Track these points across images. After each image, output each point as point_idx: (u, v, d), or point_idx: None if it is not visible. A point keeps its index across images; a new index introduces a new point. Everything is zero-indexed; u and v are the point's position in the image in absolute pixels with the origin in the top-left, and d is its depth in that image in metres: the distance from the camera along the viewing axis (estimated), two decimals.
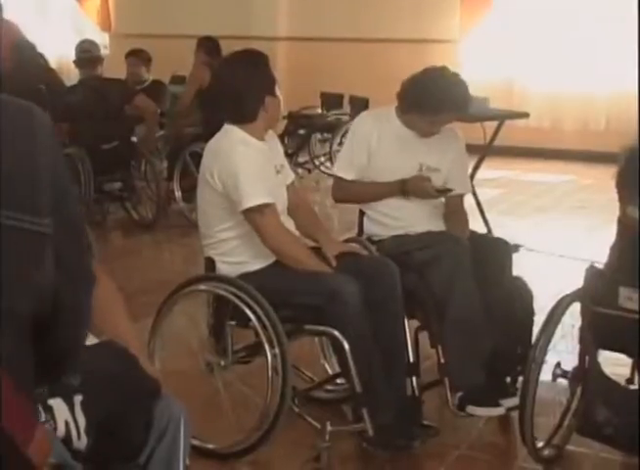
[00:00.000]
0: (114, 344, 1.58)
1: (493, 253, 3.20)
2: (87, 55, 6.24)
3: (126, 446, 1.38)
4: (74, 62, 6.36)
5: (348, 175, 3.36)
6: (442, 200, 3.44)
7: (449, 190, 3.30)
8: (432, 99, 3.22)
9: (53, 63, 9.39)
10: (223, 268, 3.01)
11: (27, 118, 0.90)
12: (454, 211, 3.44)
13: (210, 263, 3.03)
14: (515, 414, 2.88)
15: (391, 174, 3.33)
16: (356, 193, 3.40)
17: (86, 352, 1.15)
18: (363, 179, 3.37)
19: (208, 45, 6.81)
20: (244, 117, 3.00)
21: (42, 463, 0.88)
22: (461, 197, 3.51)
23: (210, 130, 3.24)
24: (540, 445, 2.81)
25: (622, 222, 2.51)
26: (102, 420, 1.13)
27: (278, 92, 3.05)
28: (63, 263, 0.90)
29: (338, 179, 3.43)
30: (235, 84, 3.00)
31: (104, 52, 7.08)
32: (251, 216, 2.91)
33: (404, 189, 3.30)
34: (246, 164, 2.91)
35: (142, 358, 1.66)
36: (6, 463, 0.83)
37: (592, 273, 2.59)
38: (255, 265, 2.99)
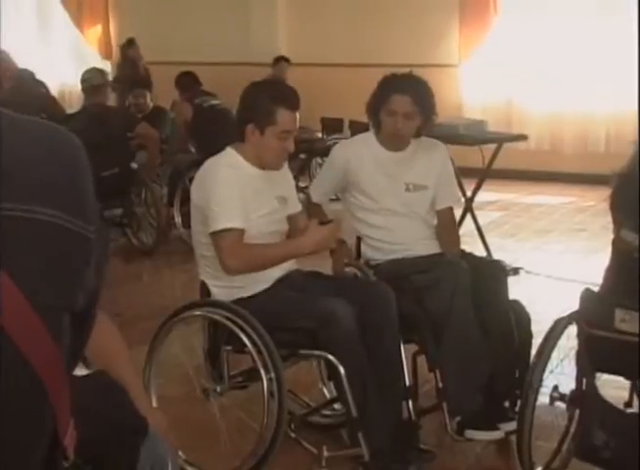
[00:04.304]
0: (105, 377, 1.56)
1: (488, 275, 3.19)
2: (86, 84, 6.30)
3: None
4: (81, 89, 6.46)
5: (313, 196, 3.52)
6: (435, 218, 3.45)
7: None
8: (375, 93, 3.39)
9: (55, 91, 9.46)
10: (217, 293, 3.02)
11: (66, 133, 0.97)
12: (445, 225, 3.46)
13: (205, 288, 3.04)
14: (514, 438, 2.86)
15: (381, 199, 3.36)
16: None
17: (74, 383, 1.14)
18: (352, 203, 3.43)
19: (182, 82, 7.25)
20: (237, 131, 3.04)
21: (71, 454, 0.96)
22: (451, 209, 3.53)
23: (206, 155, 3.26)
24: (539, 469, 2.78)
25: (616, 245, 2.51)
26: (84, 457, 1.12)
27: (270, 135, 2.94)
28: (96, 270, 0.97)
29: (308, 197, 3.59)
30: (242, 95, 3.06)
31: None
32: (213, 240, 2.92)
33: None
34: (223, 186, 2.92)
35: (140, 399, 1.64)
36: (52, 451, 0.92)
37: (587, 296, 2.58)
38: (250, 291, 2.98)
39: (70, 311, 0.92)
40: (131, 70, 9.41)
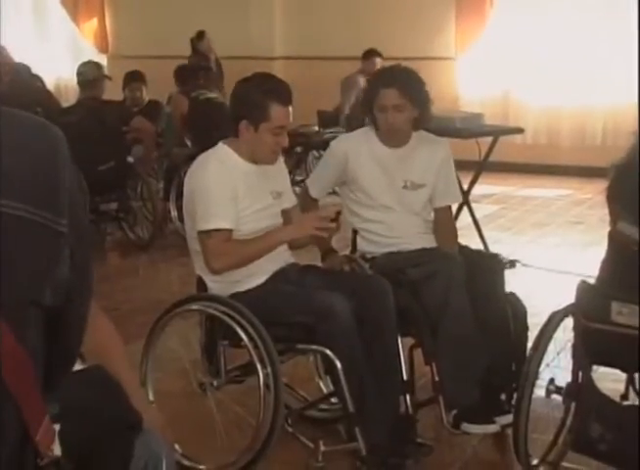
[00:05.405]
0: (100, 371, 1.55)
1: (485, 268, 3.19)
2: (81, 78, 6.31)
3: None
4: (77, 82, 6.46)
5: (311, 190, 3.50)
6: (431, 213, 3.46)
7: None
8: (365, 91, 3.40)
9: (51, 85, 9.44)
10: (214, 287, 3.01)
11: (45, 126, 0.96)
12: (442, 224, 3.46)
13: (202, 282, 3.03)
14: (510, 431, 2.86)
15: (378, 195, 3.35)
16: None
17: (68, 378, 1.13)
18: (349, 198, 3.41)
19: (179, 75, 7.15)
20: (232, 126, 3.02)
21: (46, 450, 0.95)
22: (449, 208, 3.54)
23: (202, 149, 3.25)
24: (535, 462, 2.78)
25: (613, 237, 2.51)
26: (79, 452, 1.11)
27: (264, 131, 2.93)
28: (74, 266, 0.94)
29: (304, 191, 3.58)
30: (234, 91, 3.04)
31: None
32: (200, 238, 2.92)
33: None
34: (213, 184, 2.90)
35: (135, 394, 1.63)
36: (19, 448, 0.91)
37: (583, 288, 2.58)
38: (246, 285, 2.98)
39: (39, 307, 0.90)
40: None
